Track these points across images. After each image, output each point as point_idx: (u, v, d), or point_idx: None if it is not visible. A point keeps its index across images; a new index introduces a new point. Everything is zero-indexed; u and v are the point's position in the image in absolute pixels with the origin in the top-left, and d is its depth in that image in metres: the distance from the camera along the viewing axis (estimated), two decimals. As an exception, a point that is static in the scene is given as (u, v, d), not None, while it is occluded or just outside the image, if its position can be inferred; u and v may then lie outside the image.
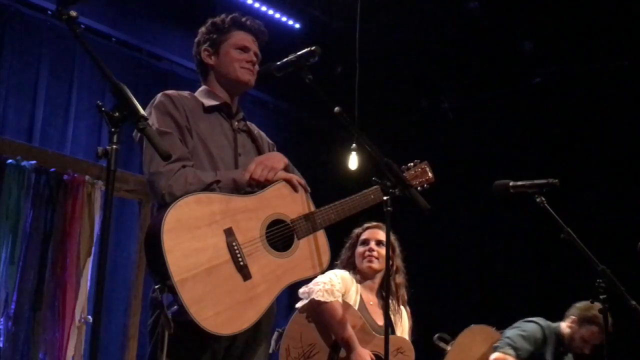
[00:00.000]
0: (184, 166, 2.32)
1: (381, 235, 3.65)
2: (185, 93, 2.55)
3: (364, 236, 3.70)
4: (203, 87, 2.63)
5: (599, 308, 4.26)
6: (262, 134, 2.74)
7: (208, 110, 2.53)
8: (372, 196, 2.63)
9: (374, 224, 3.71)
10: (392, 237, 3.70)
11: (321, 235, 2.49)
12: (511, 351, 4.15)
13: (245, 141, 2.59)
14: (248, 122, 2.69)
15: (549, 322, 4.36)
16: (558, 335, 4.31)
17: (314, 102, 2.68)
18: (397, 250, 3.74)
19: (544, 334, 4.28)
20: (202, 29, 2.65)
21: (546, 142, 6.72)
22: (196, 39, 2.65)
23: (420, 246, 3.92)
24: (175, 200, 2.21)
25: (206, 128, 2.47)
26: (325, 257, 2.48)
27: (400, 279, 3.69)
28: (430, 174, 3.00)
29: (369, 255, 3.60)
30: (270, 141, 2.75)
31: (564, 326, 4.33)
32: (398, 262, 3.71)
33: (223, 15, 2.63)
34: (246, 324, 2.22)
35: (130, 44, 5.95)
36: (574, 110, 6.41)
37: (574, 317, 4.30)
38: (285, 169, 2.51)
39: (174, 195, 2.24)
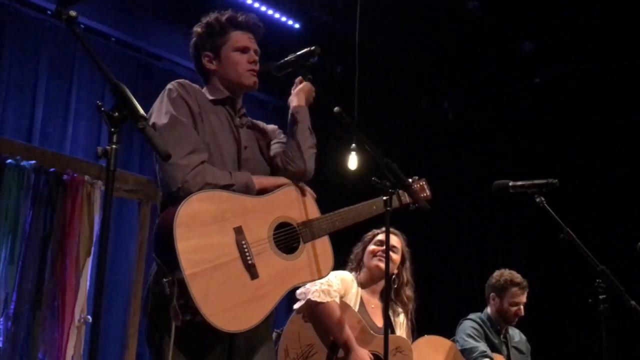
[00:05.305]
0: (202, 162, 2.30)
1: (396, 241, 3.66)
2: (194, 85, 2.53)
3: (380, 236, 3.66)
4: (206, 87, 2.60)
5: (506, 272, 4.37)
6: (265, 124, 2.73)
7: (214, 103, 2.52)
8: (374, 207, 2.67)
9: (392, 229, 3.68)
10: (405, 249, 3.72)
11: (326, 240, 2.51)
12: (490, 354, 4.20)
13: (249, 136, 2.59)
14: (250, 118, 2.69)
15: (476, 314, 4.44)
16: (489, 319, 4.39)
17: (314, 102, 2.67)
18: (408, 262, 3.74)
19: (479, 324, 4.35)
20: (198, 30, 2.58)
21: (546, 142, 6.71)
22: (192, 41, 2.59)
23: (419, 246, 3.91)
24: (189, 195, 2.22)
25: (215, 119, 2.48)
26: (329, 263, 2.50)
27: (409, 292, 3.69)
28: (428, 192, 3.08)
29: (381, 255, 3.56)
30: (273, 127, 2.71)
31: (490, 309, 4.40)
32: (407, 275, 3.71)
33: (217, 15, 2.57)
34: (252, 322, 2.23)
35: (130, 44, 5.95)
36: (574, 110, 6.40)
37: (492, 294, 4.39)
38: None
39: (190, 192, 2.23)
